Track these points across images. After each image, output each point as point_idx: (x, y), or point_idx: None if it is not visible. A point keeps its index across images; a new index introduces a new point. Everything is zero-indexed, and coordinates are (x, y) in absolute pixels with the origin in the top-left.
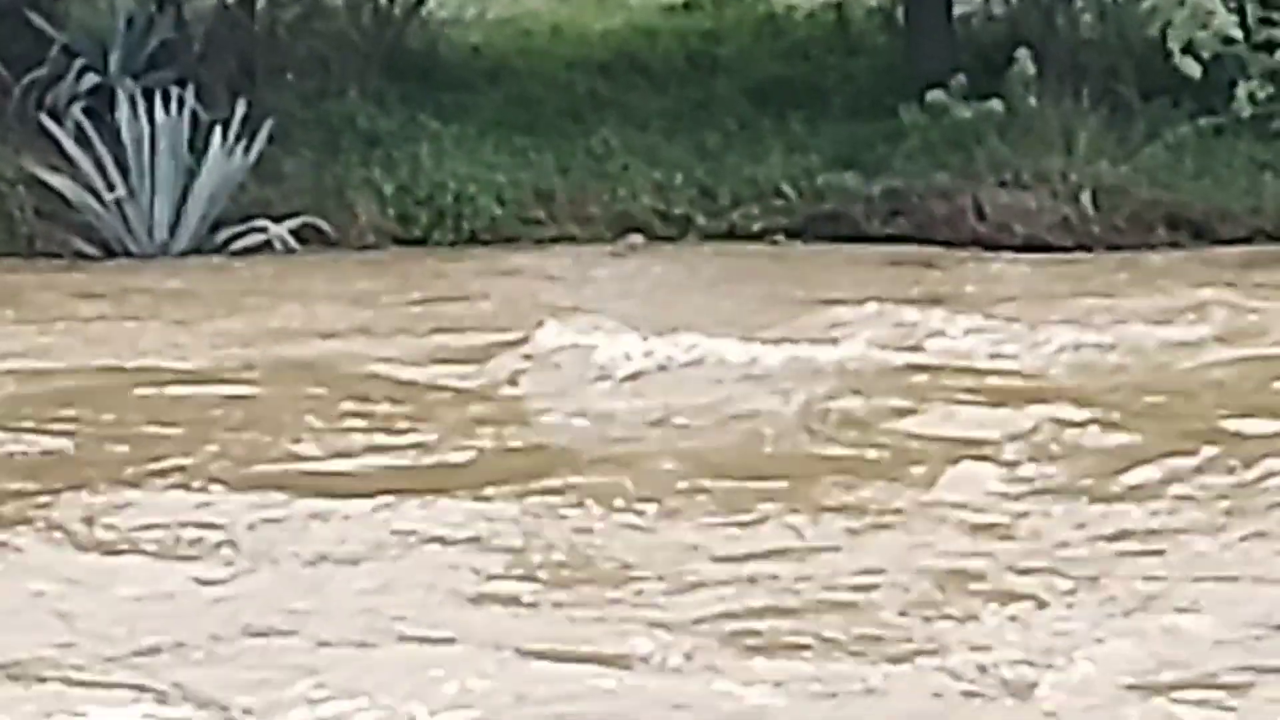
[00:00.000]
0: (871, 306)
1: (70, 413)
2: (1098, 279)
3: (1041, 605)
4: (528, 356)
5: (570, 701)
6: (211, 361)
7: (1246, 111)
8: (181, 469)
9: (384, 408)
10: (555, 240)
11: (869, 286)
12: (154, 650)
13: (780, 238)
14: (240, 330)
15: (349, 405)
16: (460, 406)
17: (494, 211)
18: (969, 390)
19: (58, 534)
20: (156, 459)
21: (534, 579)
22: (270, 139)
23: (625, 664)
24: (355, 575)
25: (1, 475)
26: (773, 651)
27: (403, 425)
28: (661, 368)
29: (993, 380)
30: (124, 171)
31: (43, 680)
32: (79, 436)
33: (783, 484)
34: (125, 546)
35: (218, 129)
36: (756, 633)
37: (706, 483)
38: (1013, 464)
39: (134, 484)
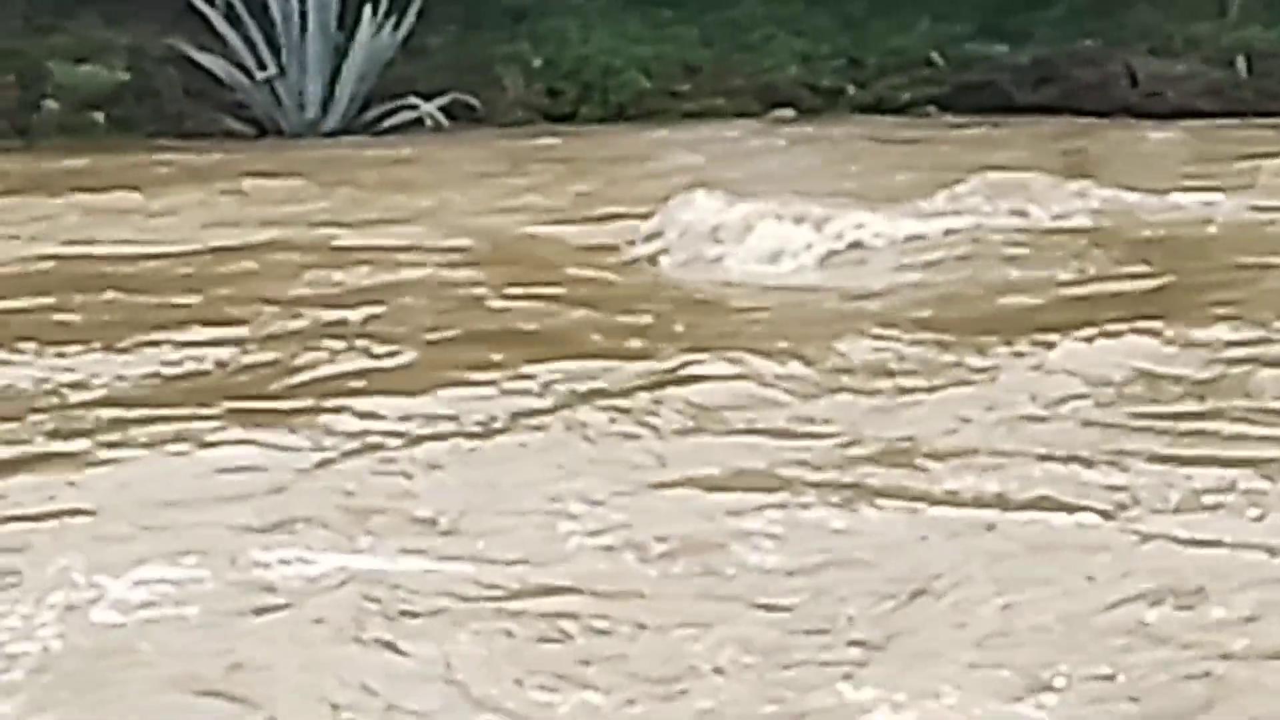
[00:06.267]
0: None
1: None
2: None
3: None
4: (676, 229)
5: None
6: None
7: None
8: None
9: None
10: (701, 114)
11: (1022, 157)
12: None
13: (930, 109)
14: None
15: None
16: (614, 280)
17: (640, 85)
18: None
19: None
20: None
21: None
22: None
23: None
24: None
25: None
26: None
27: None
28: (808, 243)
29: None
30: (275, 50)
31: None
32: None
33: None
34: None
35: (367, 6)
36: None
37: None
38: None
39: None
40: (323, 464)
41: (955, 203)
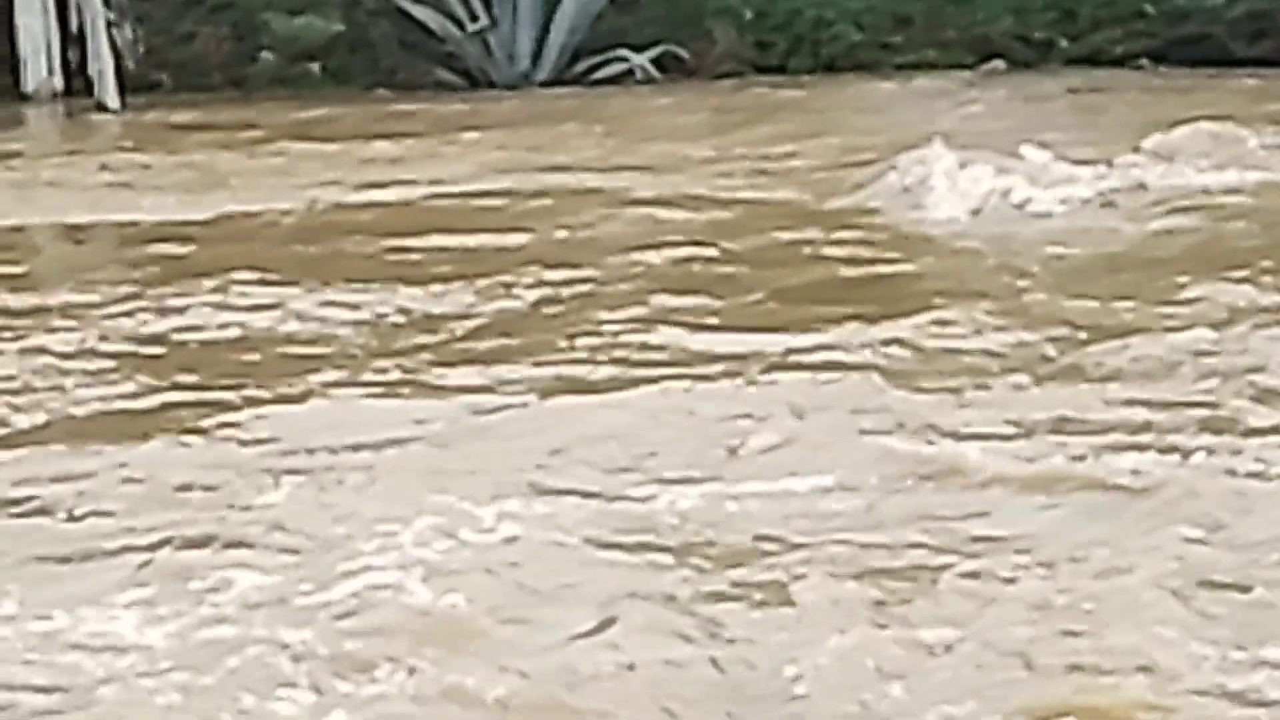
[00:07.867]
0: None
1: None
2: None
3: None
4: (898, 182)
5: None
6: None
7: None
8: None
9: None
10: (914, 66)
11: (1254, 111)
12: None
13: (1144, 62)
14: None
15: None
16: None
17: (852, 37)
18: None
19: None
20: None
21: None
22: None
23: None
24: None
25: None
26: None
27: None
28: (1076, 190)
29: None
30: (486, 2)
31: None
32: None
33: None
34: None
35: None
36: None
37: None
38: None
39: None
40: (680, 396)
41: (1218, 154)
